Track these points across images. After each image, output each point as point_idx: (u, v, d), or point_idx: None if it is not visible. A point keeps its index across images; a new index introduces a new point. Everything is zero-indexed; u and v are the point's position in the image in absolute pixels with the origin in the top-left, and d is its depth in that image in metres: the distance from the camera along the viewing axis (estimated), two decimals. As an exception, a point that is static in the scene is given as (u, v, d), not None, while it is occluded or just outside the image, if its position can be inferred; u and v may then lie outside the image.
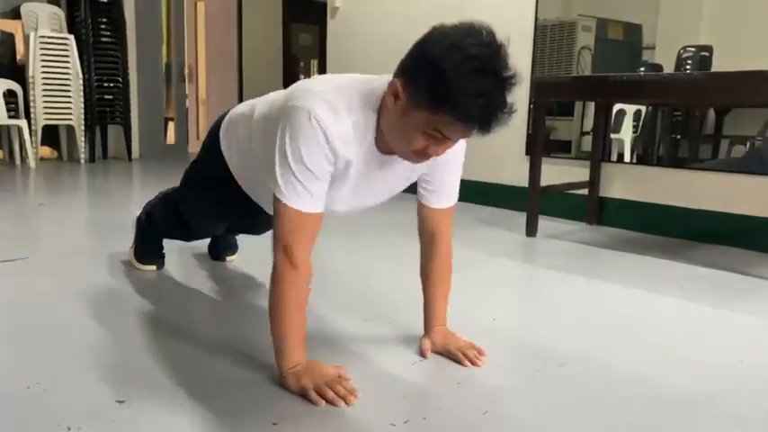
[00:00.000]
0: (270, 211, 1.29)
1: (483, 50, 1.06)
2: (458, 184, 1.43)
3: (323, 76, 1.31)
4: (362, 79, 1.26)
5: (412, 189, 1.44)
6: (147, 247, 2.07)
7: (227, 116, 1.60)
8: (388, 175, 1.33)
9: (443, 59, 1.05)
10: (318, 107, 1.16)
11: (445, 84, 1.05)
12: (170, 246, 2.10)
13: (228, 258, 2.25)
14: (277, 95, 1.41)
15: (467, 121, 1.09)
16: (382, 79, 1.23)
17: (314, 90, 1.21)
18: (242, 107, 1.56)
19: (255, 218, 1.68)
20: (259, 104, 1.45)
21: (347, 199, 1.34)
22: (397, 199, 1.47)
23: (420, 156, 1.19)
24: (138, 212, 2.07)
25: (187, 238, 2.06)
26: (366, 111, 1.21)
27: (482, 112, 1.07)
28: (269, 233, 1.34)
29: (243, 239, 2.25)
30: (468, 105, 1.06)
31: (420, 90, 1.10)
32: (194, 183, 1.77)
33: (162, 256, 2.10)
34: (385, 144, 1.24)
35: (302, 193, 1.18)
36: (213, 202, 1.70)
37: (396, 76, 1.16)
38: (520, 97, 3.40)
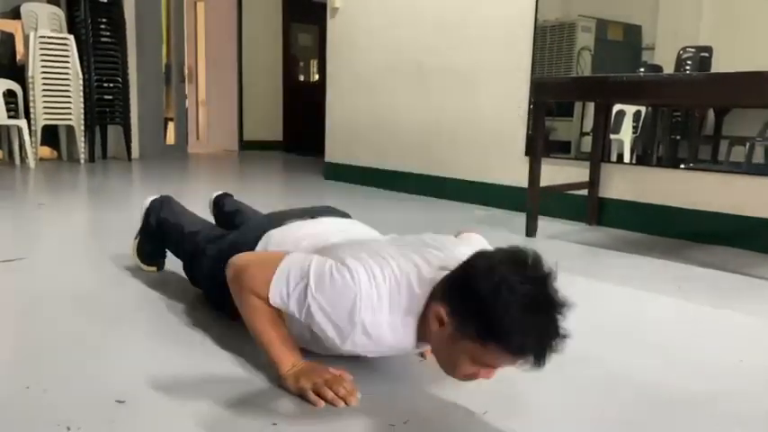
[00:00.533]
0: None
1: (532, 286, 1.03)
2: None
3: (377, 247, 1.25)
4: (415, 278, 1.18)
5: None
6: (150, 246, 2.06)
7: (265, 236, 1.51)
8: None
9: (492, 298, 1.02)
10: (366, 292, 1.14)
11: (496, 322, 1.02)
12: (170, 246, 2.09)
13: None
14: (315, 242, 1.37)
15: (521, 355, 1.06)
16: (426, 276, 1.18)
17: (371, 273, 1.17)
18: (279, 236, 1.48)
19: None
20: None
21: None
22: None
23: (469, 378, 1.17)
24: (149, 201, 2.00)
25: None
26: (408, 316, 1.18)
27: (537, 347, 1.04)
28: None
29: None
30: (521, 342, 1.03)
31: (468, 323, 1.06)
32: (212, 274, 1.61)
33: (163, 256, 2.09)
34: (424, 336, 1.20)
35: (283, 291, 1.18)
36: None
37: (438, 298, 1.13)
38: (520, 98, 3.44)
